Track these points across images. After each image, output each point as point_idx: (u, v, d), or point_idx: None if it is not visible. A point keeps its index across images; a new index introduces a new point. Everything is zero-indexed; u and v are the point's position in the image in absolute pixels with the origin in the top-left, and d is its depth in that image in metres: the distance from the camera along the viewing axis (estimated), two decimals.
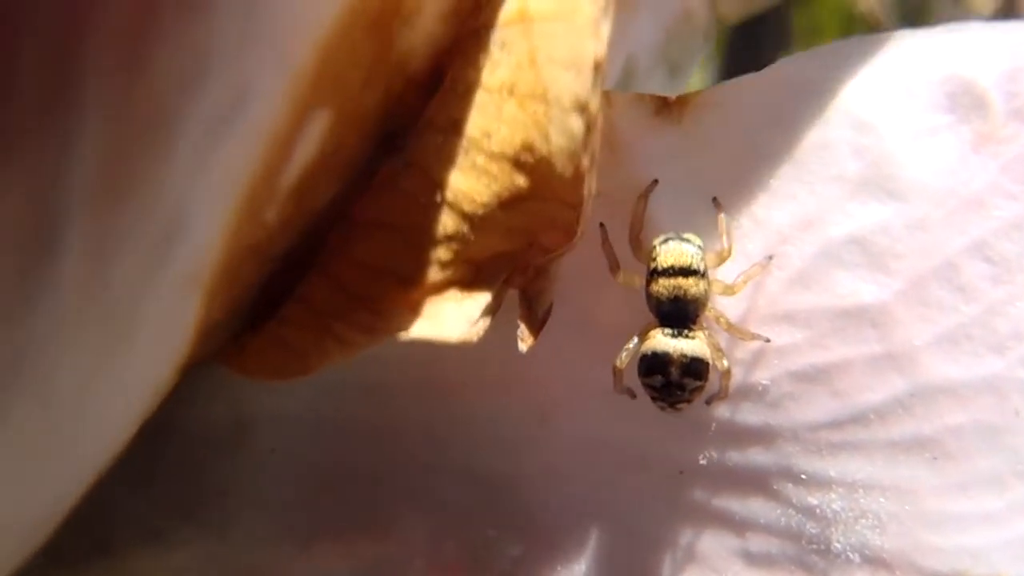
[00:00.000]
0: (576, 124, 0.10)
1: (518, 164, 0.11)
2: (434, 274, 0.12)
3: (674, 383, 0.13)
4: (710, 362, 0.13)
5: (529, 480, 0.14)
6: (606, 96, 0.14)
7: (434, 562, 0.15)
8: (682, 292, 0.13)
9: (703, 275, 0.13)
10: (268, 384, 0.14)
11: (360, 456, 0.15)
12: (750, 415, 0.14)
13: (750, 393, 0.14)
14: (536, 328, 0.12)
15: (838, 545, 0.14)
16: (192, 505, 0.14)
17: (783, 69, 0.14)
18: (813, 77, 0.13)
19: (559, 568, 0.15)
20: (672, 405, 0.14)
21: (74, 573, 0.14)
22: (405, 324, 0.12)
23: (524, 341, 0.12)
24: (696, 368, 0.13)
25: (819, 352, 0.14)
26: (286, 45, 0.08)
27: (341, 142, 0.10)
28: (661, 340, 0.13)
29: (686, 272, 0.13)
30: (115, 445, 0.11)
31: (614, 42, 0.16)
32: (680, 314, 0.13)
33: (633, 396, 0.14)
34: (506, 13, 0.10)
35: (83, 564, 0.14)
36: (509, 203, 0.11)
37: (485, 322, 0.12)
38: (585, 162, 0.10)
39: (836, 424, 0.14)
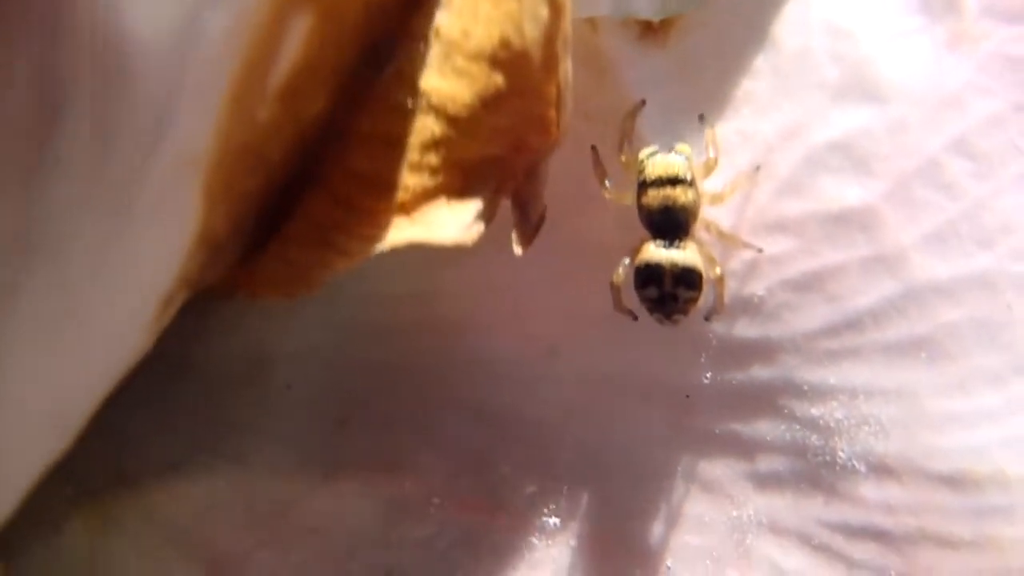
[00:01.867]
0: (543, 11, 0.10)
1: (495, 62, 0.11)
2: (425, 180, 0.12)
3: (668, 294, 0.14)
4: (702, 271, 0.14)
5: (541, 416, 0.15)
6: (591, 22, 0.14)
7: (451, 499, 0.15)
8: (671, 202, 0.14)
9: (691, 184, 0.14)
10: (283, 322, 0.15)
11: (373, 395, 0.15)
12: (748, 328, 0.14)
13: (747, 306, 0.14)
14: (530, 233, 0.13)
15: (843, 455, 0.14)
16: (212, 439, 0.15)
17: None
18: None
19: (574, 505, 0.15)
20: (668, 316, 0.14)
21: (101, 504, 0.14)
22: (401, 231, 0.12)
23: (519, 245, 0.13)
24: (689, 277, 0.14)
25: (811, 259, 0.14)
26: None
27: (325, 46, 0.11)
28: (653, 251, 0.14)
29: (674, 182, 0.14)
30: (133, 334, 0.11)
31: None
32: (671, 224, 0.14)
33: (634, 317, 0.14)
34: None
35: (109, 495, 0.14)
36: (491, 102, 0.12)
37: (479, 227, 0.12)
38: (558, 46, 0.11)
39: (833, 331, 0.14)
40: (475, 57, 0.11)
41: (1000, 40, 0.13)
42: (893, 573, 0.14)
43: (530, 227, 0.13)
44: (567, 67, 0.11)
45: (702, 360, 0.15)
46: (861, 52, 0.14)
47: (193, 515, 0.15)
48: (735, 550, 0.14)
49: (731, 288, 0.14)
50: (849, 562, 0.14)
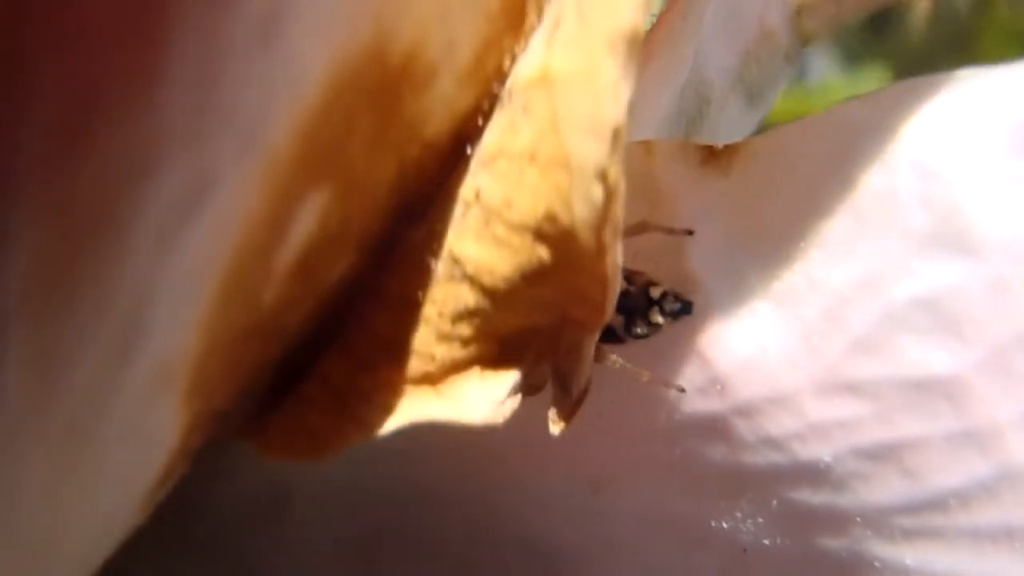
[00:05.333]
0: (598, 193, 0.09)
1: (540, 235, 0.10)
2: (456, 351, 0.11)
3: None
4: None
5: (586, 554, 0.14)
6: (647, 146, 0.13)
7: None
8: None
9: None
10: None
11: (403, 527, 0.14)
12: (813, 495, 0.13)
13: (811, 471, 0.13)
14: (570, 410, 0.12)
15: None
16: None
17: (842, 112, 0.13)
18: (874, 121, 0.13)
19: None
20: None
21: None
22: (425, 405, 0.11)
23: (555, 424, 0.12)
24: None
25: (887, 427, 0.13)
26: (253, 125, 0.08)
27: (349, 216, 0.10)
28: None
29: None
30: (100, 550, 0.10)
31: (665, 81, 0.15)
32: None
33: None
34: (529, 74, 0.10)
35: None
36: (532, 276, 0.10)
37: (514, 402, 0.11)
38: (608, 234, 0.09)
39: (911, 508, 0.13)
40: (517, 228, 0.10)
41: None
42: None
43: (570, 402, 0.12)
44: (618, 250, 0.10)
45: (761, 521, 0.13)
46: (955, 198, 0.12)
47: None
48: None
49: (795, 450, 0.13)
50: None
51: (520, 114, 0.10)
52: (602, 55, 0.09)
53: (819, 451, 0.13)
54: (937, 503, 0.13)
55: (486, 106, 0.10)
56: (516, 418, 0.13)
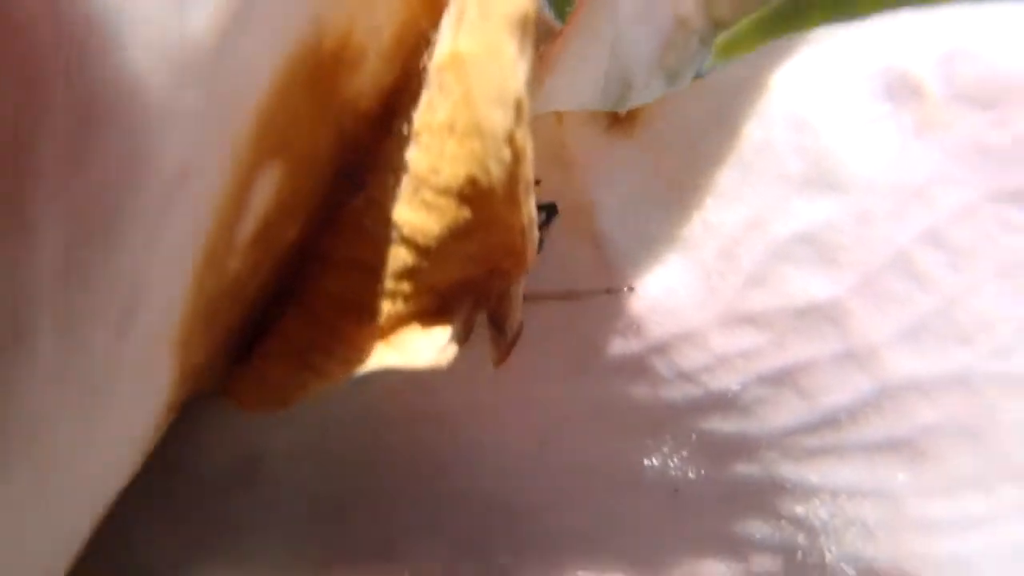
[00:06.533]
0: (507, 155, 0.11)
1: (463, 197, 0.12)
2: (399, 306, 0.13)
3: None
4: None
5: (535, 505, 0.15)
6: (557, 116, 0.15)
7: None
8: None
9: None
10: (273, 418, 0.15)
11: (369, 487, 0.16)
12: (725, 423, 0.15)
13: (721, 400, 0.15)
14: (505, 349, 0.13)
15: (831, 556, 0.14)
16: (207, 539, 0.15)
17: (724, 73, 0.15)
18: (751, 80, 0.14)
19: None
20: None
21: None
22: (376, 354, 0.13)
23: (495, 362, 0.13)
24: None
25: (782, 354, 0.14)
26: (223, 119, 0.09)
27: (297, 187, 0.11)
28: None
29: None
30: (112, 487, 0.12)
31: (582, 67, 0.17)
32: None
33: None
34: (441, 55, 0.11)
35: None
36: (460, 234, 0.12)
37: (453, 348, 0.13)
38: (521, 190, 0.11)
39: (810, 428, 0.14)
40: (443, 192, 0.12)
41: (969, 126, 0.14)
42: None
43: (505, 343, 0.13)
44: (531, 204, 0.11)
45: (685, 455, 0.15)
46: (824, 142, 0.14)
47: None
48: None
49: (705, 382, 0.15)
50: None
51: (437, 93, 0.12)
52: (502, 37, 0.10)
53: (727, 381, 0.15)
54: (831, 421, 0.14)
55: (412, 84, 0.12)
56: (467, 383, 0.15)
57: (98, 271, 0.09)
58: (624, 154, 0.15)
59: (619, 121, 0.15)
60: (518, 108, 0.10)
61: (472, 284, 0.13)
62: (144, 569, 0.15)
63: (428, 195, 0.12)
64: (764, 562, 0.15)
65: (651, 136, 0.15)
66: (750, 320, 0.14)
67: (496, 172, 0.11)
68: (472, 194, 0.12)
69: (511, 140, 0.11)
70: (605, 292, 0.14)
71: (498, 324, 0.13)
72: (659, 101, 0.15)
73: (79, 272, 0.09)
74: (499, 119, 0.11)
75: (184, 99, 0.09)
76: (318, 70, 0.11)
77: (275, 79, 0.10)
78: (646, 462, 0.15)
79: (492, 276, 0.13)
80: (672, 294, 0.15)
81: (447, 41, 0.11)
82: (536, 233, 0.12)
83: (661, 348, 0.15)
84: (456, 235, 0.12)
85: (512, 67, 0.10)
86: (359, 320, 0.13)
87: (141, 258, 0.09)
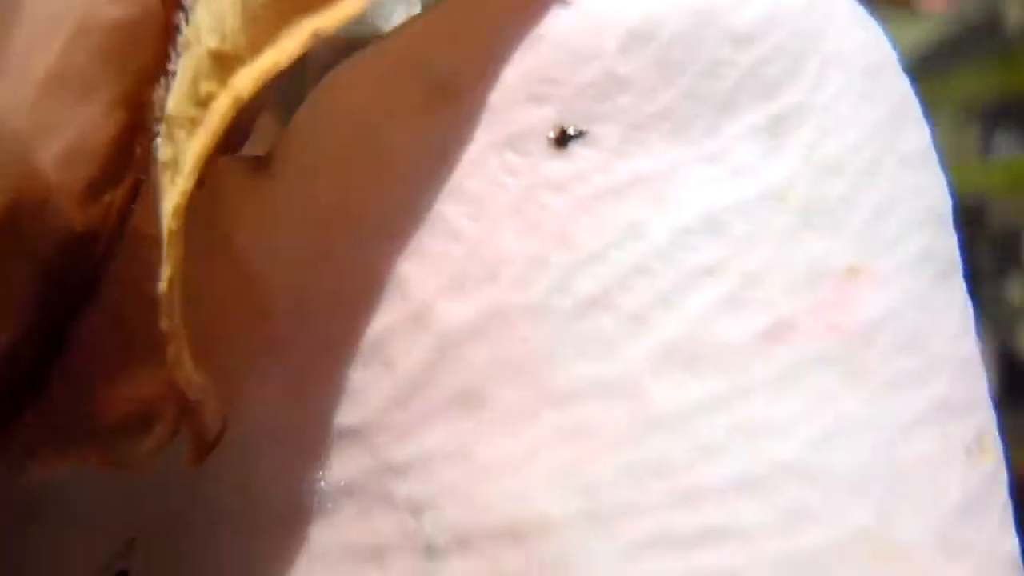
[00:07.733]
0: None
1: None
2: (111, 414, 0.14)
3: None
4: None
5: None
6: (199, 180, 0.15)
7: None
8: None
9: None
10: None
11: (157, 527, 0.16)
12: (344, 416, 0.15)
13: (332, 390, 0.15)
14: (204, 450, 0.15)
15: (430, 533, 0.14)
16: None
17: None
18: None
19: None
20: None
21: None
22: (93, 451, 0.15)
23: (189, 462, 0.15)
24: None
25: (366, 329, 0.15)
26: None
27: None
28: None
29: None
30: None
31: None
32: None
33: None
34: None
35: None
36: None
37: (157, 452, 0.14)
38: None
39: (399, 399, 0.15)
40: None
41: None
42: None
43: (205, 445, 0.15)
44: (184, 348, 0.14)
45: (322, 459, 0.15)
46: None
47: None
48: None
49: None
50: None
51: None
52: None
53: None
54: (412, 386, 0.15)
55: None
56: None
57: None
58: (275, 193, 0.16)
59: (260, 163, 0.16)
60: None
61: (162, 399, 0.14)
62: None
63: None
64: (402, 563, 0.15)
65: (291, 168, 0.16)
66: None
67: None
68: None
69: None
70: None
71: (196, 431, 0.14)
72: (284, 132, 0.16)
73: None
74: None
75: None
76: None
77: None
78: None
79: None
80: None
81: None
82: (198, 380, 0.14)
83: None
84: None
85: None
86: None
87: None
